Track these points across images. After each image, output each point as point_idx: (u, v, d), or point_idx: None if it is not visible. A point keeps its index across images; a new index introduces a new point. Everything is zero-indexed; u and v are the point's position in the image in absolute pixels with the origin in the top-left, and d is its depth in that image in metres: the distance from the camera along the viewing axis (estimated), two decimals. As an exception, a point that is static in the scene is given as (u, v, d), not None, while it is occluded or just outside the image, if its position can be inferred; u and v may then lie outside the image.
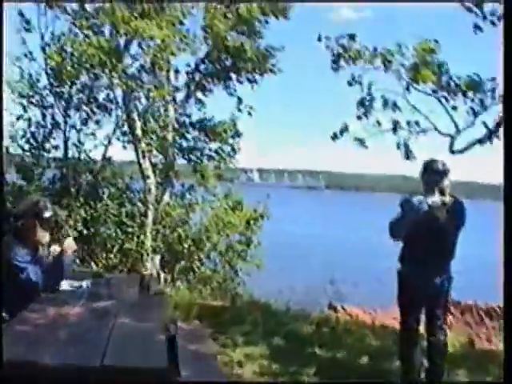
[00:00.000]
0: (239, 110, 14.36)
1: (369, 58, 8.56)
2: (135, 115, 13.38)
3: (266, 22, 13.93)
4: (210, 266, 13.65)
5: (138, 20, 10.87)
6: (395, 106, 9.00)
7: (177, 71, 14.14)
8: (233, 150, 14.46)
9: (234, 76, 14.34)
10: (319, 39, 8.87)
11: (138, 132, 13.28)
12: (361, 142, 9.40)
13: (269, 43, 14.19)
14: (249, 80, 14.36)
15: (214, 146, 14.47)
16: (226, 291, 12.56)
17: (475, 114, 8.50)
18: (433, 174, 5.85)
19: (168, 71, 13.67)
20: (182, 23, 11.68)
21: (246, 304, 10.65)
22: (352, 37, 8.71)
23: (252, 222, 13.48)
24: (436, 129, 8.69)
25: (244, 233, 13.54)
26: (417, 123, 9.08)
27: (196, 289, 12.17)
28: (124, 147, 14.20)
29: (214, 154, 14.39)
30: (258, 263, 13.52)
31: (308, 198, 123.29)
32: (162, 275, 12.95)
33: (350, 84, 9.12)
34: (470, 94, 8.43)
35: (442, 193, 5.79)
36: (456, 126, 8.46)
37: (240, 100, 14.40)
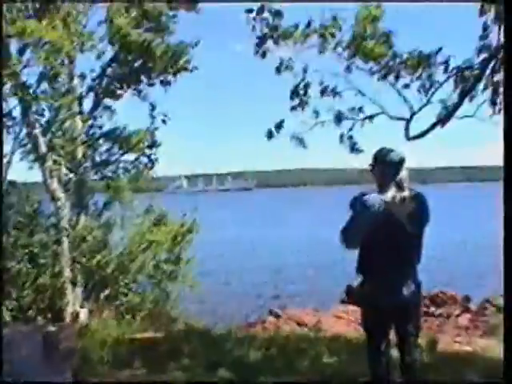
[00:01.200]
0: (152, 117, 13.13)
1: (300, 36, 7.30)
2: (37, 130, 11.86)
3: (174, 15, 12.75)
4: (139, 290, 12.27)
5: (26, 20, 9.39)
6: (334, 92, 7.82)
7: (82, 76, 12.80)
8: (150, 160, 13.13)
9: (144, 78, 13.04)
10: (250, 11, 7.49)
11: (42, 149, 11.76)
12: (299, 140, 8.22)
13: (180, 39, 13.03)
14: (161, 82, 13.12)
15: (129, 157, 13.09)
16: (159, 319, 11.26)
17: (426, 92, 7.45)
18: (386, 165, 5.04)
19: (71, 78, 12.27)
20: (79, 22, 10.28)
21: (182, 332, 9.68)
22: (278, 13, 7.45)
23: (179, 237, 12.16)
24: (385, 113, 7.58)
25: (172, 250, 12.22)
26: (361, 109, 7.97)
27: (124, 319, 10.84)
28: (30, 167, 12.61)
29: (129, 167, 12.98)
30: (191, 283, 12.25)
31: (236, 200, 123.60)
32: (86, 306, 11.62)
33: (278, 70, 7.86)
34: (419, 70, 7.36)
35: (399, 187, 4.99)
36: (410, 107, 7.38)
37: (153, 106, 13.18)
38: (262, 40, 7.49)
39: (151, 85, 13.15)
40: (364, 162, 5.35)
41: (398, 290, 4.99)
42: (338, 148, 8.33)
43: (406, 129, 7.50)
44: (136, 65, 12.86)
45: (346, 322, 19.12)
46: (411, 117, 7.43)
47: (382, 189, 4.99)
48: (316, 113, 8.08)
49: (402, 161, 5.06)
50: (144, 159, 13.13)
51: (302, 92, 7.90)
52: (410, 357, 5.14)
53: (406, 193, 5.00)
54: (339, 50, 7.45)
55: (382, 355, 5.12)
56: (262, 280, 26.78)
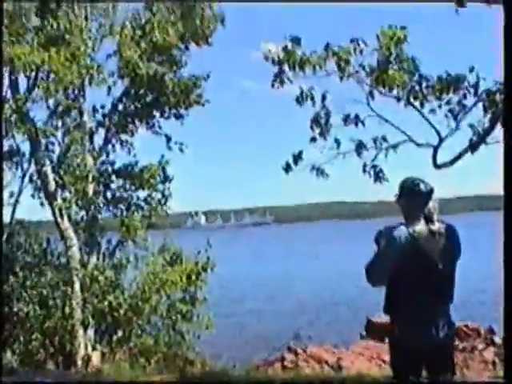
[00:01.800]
0: (169, 149, 12.81)
1: (318, 61, 6.88)
2: (47, 167, 11.55)
3: (187, 48, 12.51)
4: (153, 331, 11.76)
5: (35, 52, 9.09)
6: (357, 121, 7.38)
7: (93, 111, 12.52)
8: (163, 196, 12.73)
9: (157, 113, 12.77)
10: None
11: (52, 186, 11.42)
12: (319, 170, 7.78)
13: (191, 72, 12.78)
14: (175, 116, 12.84)
15: (142, 194, 12.72)
16: (174, 362, 10.79)
17: (456, 117, 7.00)
18: (413, 196, 4.72)
19: (81, 113, 12.01)
20: (88, 55, 10.01)
21: (198, 374, 9.16)
22: (296, 40, 7.04)
23: (194, 276, 11.66)
24: (411, 140, 7.12)
25: (186, 289, 11.72)
26: (384, 138, 7.52)
27: (138, 362, 10.39)
28: (41, 204, 12.21)
29: (142, 203, 12.58)
30: (207, 323, 11.73)
31: (254, 236, 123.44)
32: (99, 349, 11.17)
33: (298, 101, 7.43)
34: (445, 94, 6.92)
35: (428, 219, 4.67)
36: (438, 133, 6.93)
37: (168, 137, 12.83)
38: (279, 70, 7.10)
39: (166, 118, 12.88)
40: (389, 193, 5.00)
41: (430, 332, 4.61)
42: (361, 179, 7.95)
43: (434, 156, 7.06)
44: (148, 99, 12.60)
45: (366, 359, 18.61)
46: (439, 143, 6.99)
47: (410, 221, 4.65)
48: (337, 143, 7.65)
49: (430, 191, 4.72)
50: (157, 195, 12.75)
51: (323, 121, 7.48)
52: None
53: (436, 225, 4.65)
54: (361, 75, 7.04)
55: None
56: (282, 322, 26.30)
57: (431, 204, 4.73)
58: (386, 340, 19.10)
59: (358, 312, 26.61)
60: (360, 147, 7.76)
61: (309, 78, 7.15)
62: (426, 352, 4.65)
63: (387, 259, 4.58)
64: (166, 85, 12.04)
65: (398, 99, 7.14)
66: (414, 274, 4.57)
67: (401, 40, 6.74)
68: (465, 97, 6.96)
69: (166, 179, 12.68)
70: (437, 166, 7.07)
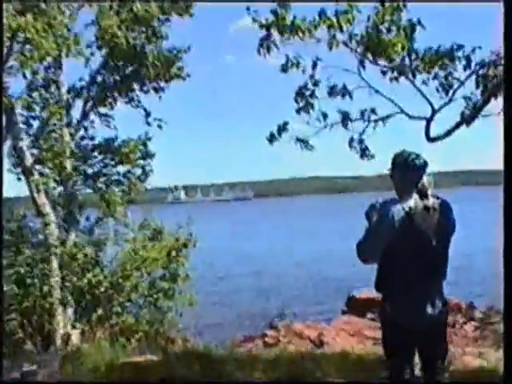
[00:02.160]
0: (148, 124, 12.48)
1: (309, 27, 6.58)
2: (24, 142, 11.19)
3: (167, 20, 12.13)
4: (133, 309, 11.53)
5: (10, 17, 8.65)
6: (345, 92, 7.12)
7: (70, 84, 12.22)
8: (144, 172, 12.44)
9: (136, 86, 12.42)
10: (247, 8, 6.81)
11: (29, 161, 11.07)
12: (303, 142, 7.53)
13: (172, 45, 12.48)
14: (154, 89, 12.51)
15: (122, 169, 12.42)
16: (155, 340, 10.59)
17: (446, 91, 6.77)
18: (407, 170, 4.59)
19: (58, 86, 11.65)
20: (65, 25, 9.60)
21: (181, 355, 8.99)
22: (285, 5, 6.71)
23: (174, 252, 11.42)
24: (403, 112, 6.89)
25: (167, 266, 11.49)
26: (373, 110, 7.30)
27: (118, 341, 10.18)
28: (19, 179, 11.82)
29: (122, 179, 12.28)
30: (190, 300, 11.52)
31: (236, 210, 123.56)
32: (79, 327, 10.93)
33: (284, 69, 7.16)
34: (437, 67, 6.68)
35: (422, 194, 4.57)
36: (431, 104, 6.69)
37: (147, 112, 12.52)
38: (266, 35, 6.79)
39: (145, 92, 12.54)
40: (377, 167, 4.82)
41: (423, 309, 4.53)
42: (343, 153, 7.76)
43: (427, 129, 6.85)
44: (127, 71, 12.25)
45: (348, 334, 18.66)
46: (432, 116, 6.77)
47: (403, 196, 4.54)
48: (323, 115, 7.39)
49: (424, 165, 4.60)
50: (138, 170, 12.46)
51: (308, 93, 7.22)
52: (436, 381, 4.70)
53: (430, 201, 4.54)
54: (352, 44, 6.75)
55: (406, 379, 4.63)
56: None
57: (425, 178, 4.60)
58: (368, 315, 19.21)
59: (343, 287, 26.76)
60: (346, 119, 7.54)
61: (295, 46, 6.87)
62: (420, 330, 4.55)
63: (380, 236, 4.45)
64: (146, 56, 11.71)
65: (386, 71, 6.89)
66: (407, 250, 4.46)
67: (400, 8, 6.44)
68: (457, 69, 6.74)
69: (147, 155, 12.41)
70: (430, 140, 6.87)
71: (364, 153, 7.81)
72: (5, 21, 8.36)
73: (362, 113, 7.41)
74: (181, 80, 12.57)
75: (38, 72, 10.25)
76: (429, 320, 4.54)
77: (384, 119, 7.27)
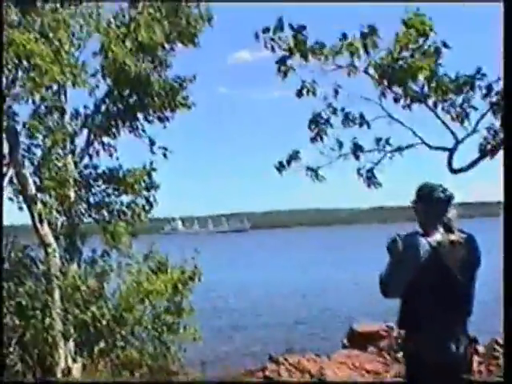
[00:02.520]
0: (152, 153, 12.33)
1: (331, 51, 6.44)
2: (26, 170, 11.01)
3: (172, 49, 12.08)
4: (136, 343, 11.21)
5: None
6: (363, 120, 6.97)
7: (75, 112, 12.13)
8: (148, 202, 12.23)
9: (140, 115, 12.31)
10: (256, 36, 6.70)
11: (32, 190, 10.88)
12: (314, 172, 7.38)
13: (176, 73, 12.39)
14: (159, 118, 12.39)
15: (125, 199, 12.24)
16: (159, 374, 10.33)
17: (462, 120, 6.63)
18: (431, 202, 4.51)
19: (62, 113, 11.53)
20: (67, 53, 9.49)
21: None
22: (301, 29, 6.58)
23: (180, 286, 11.18)
24: (424, 142, 6.75)
25: (172, 299, 11.22)
26: (387, 141, 7.15)
27: (121, 375, 9.93)
28: (20, 208, 11.67)
29: (125, 209, 12.10)
30: (194, 335, 11.24)
31: (232, 242, 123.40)
32: (79, 361, 10.64)
33: (299, 94, 7.01)
34: (457, 95, 6.53)
35: (448, 227, 4.44)
36: (454, 135, 6.55)
37: (152, 141, 12.37)
38: (283, 57, 6.65)
39: (149, 121, 12.43)
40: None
41: (449, 346, 4.39)
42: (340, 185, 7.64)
43: (450, 160, 6.69)
44: (131, 101, 12.15)
45: (349, 368, 18.36)
46: (456, 146, 6.61)
47: (427, 230, 4.44)
48: (340, 144, 7.24)
49: (449, 198, 4.50)
50: (141, 201, 12.28)
51: (322, 121, 7.06)
52: None
53: (456, 235, 4.41)
54: (372, 72, 6.60)
55: None
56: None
57: (451, 212, 4.48)
58: (369, 349, 18.88)
59: (343, 320, 26.43)
60: (357, 149, 7.41)
61: (307, 72, 6.73)
62: (445, 366, 4.41)
63: (405, 270, 4.35)
64: (152, 85, 11.61)
65: (411, 98, 6.73)
66: (433, 286, 4.38)
67: (426, 30, 6.26)
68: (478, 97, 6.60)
69: (152, 185, 12.25)
70: (453, 171, 6.71)
71: (371, 181, 7.68)
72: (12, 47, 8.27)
73: (378, 142, 7.27)
74: (185, 109, 12.46)
75: (46, 98, 10.07)
76: (454, 357, 4.39)
77: (401, 149, 7.13)
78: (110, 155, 12.43)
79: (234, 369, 16.88)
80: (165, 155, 12.47)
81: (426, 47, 6.31)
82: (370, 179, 7.49)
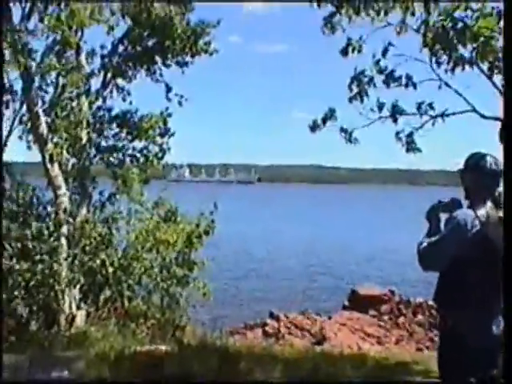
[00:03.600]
0: (168, 99, 11.84)
1: (385, 6, 5.95)
2: (39, 108, 10.53)
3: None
4: (143, 293, 10.91)
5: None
6: (408, 80, 6.50)
7: (91, 52, 11.68)
8: (161, 150, 11.84)
9: (159, 59, 11.79)
10: None
11: (43, 130, 10.42)
12: (346, 133, 6.97)
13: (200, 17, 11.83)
14: (178, 63, 11.88)
15: (138, 144, 11.84)
16: (165, 327, 10.07)
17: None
18: (483, 174, 4.14)
19: (78, 53, 11.01)
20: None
21: (195, 348, 8.75)
22: None
23: (194, 239, 10.83)
24: (475, 110, 6.30)
25: (183, 251, 10.87)
26: (431, 105, 6.70)
27: (129, 328, 9.66)
28: (29, 147, 11.47)
29: (138, 155, 11.70)
30: (204, 291, 10.92)
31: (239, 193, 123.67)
32: (84, 309, 10.34)
33: (344, 52, 6.53)
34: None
35: (497, 203, 4.06)
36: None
37: (168, 87, 11.89)
38: (331, 13, 6.18)
39: (166, 66, 11.93)
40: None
41: (490, 328, 4.08)
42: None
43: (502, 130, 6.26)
44: (150, 43, 11.64)
45: (349, 330, 18.32)
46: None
47: (474, 202, 4.12)
48: (380, 106, 6.79)
49: (500, 171, 4.10)
50: (154, 147, 11.88)
51: (366, 79, 6.60)
52: None
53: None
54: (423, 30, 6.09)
55: None
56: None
57: (500, 187, 4.10)
58: (370, 312, 18.69)
59: (340, 280, 26.53)
60: (395, 113, 6.99)
61: (359, 28, 6.25)
62: (484, 350, 4.08)
63: (450, 244, 4.01)
64: (174, 28, 11.08)
65: (465, 64, 6.24)
66: (477, 264, 4.01)
67: None
68: None
69: (167, 132, 11.83)
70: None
71: (410, 146, 7.30)
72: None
73: (419, 106, 6.84)
74: (207, 55, 11.96)
75: (67, 37, 9.54)
76: (493, 340, 4.09)
77: (446, 115, 6.68)
78: (123, 99, 11.96)
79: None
80: (180, 103, 12.04)
81: (486, 10, 5.83)
82: (410, 144, 7.12)
